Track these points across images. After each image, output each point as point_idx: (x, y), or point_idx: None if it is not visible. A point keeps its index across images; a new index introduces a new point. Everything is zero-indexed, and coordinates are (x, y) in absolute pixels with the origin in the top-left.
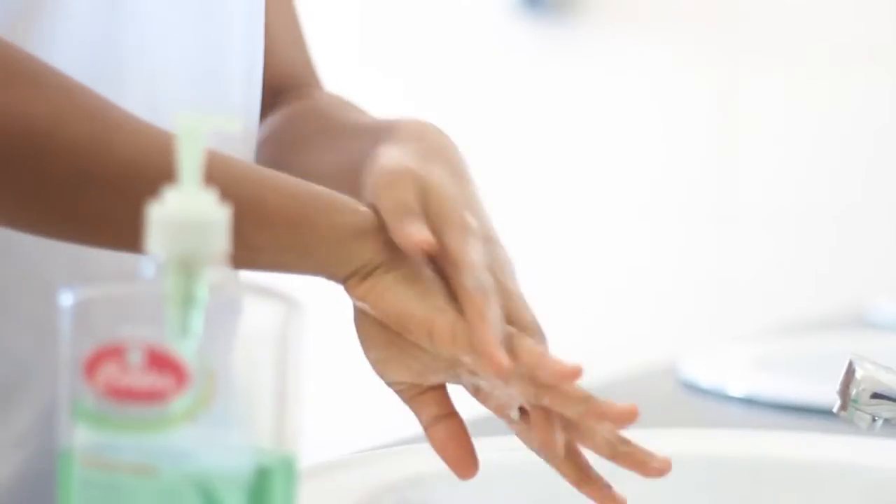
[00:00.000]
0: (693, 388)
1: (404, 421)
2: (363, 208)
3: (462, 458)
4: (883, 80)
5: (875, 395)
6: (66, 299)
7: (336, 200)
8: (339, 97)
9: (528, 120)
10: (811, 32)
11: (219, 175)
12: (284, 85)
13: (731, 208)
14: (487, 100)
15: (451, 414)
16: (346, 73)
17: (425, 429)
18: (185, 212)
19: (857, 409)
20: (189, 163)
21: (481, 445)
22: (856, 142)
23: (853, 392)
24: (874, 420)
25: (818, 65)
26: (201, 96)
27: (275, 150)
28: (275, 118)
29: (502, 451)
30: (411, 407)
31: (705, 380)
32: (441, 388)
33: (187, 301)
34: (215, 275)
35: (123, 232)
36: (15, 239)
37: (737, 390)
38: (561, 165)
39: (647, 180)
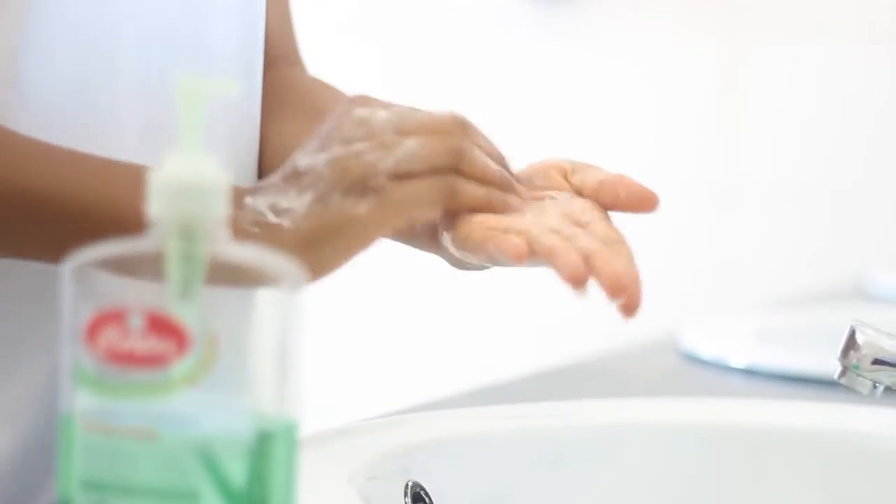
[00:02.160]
0: (694, 360)
1: (406, 389)
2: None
3: None
4: (882, 57)
5: (876, 361)
6: (66, 264)
7: None
8: (323, 81)
9: (528, 96)
10: (812, 10)
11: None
12: (271, 60)
13: (731, 181)
14: (486, 76)
15: None
16: (342, 62)
17: None
18: (186, 175)
19: (858, 375)
20: (189, 127)
21: (481, 414)
22: (856, 117)
23: (854, 358)
24: (875, 386)
25: (819, 41)
26: (194, 63)
27: (270, 126)
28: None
29: (502, 419)
30: None
31: (706, 351)
32: None
33: (188, 265)
34: (216, 238)
35: (47, 251)
36: None
37: (737, 361)
38: (562, 140)
39: (649, 154)
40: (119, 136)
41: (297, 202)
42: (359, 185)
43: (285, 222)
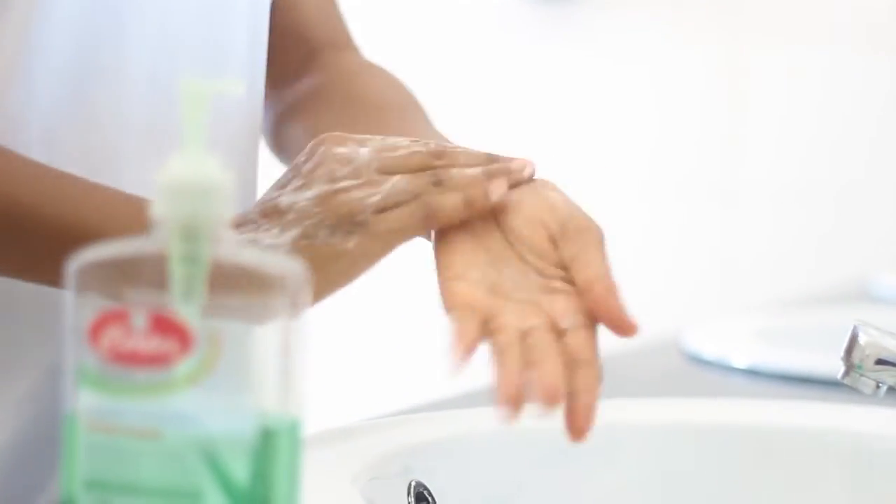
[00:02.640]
0: (697, 360)
1: (409, 389)
2: None
3: None
4: (882, 59)
5: (879, 362)
6: (70, 264)
7: None
8: (371, 67)
9: (529, 98)
10: (813, 12)
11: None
12: (318, 47)
13: (734, 183)
14: (487, 77)
15: None
16: None
17: None
18: (189, 176)
19: (862, 376)
20: (192, 128)
21: (484, 414)
22: (858, 118)
23: (857, 358)
24: (878, 386)
25: (820, 43)
26: (201, 61)
27: (308, 118)
28: (310, 83)
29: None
30: None
31: (709, 352)
32: None
33: (191, 264)
34: (219, 238)
35: (34, 271)
36: None
37: (740, 362)
38: (565, 142)
39: (651, 155)
40: (124, 136)
41: (280, 239)
42: (346, 220)
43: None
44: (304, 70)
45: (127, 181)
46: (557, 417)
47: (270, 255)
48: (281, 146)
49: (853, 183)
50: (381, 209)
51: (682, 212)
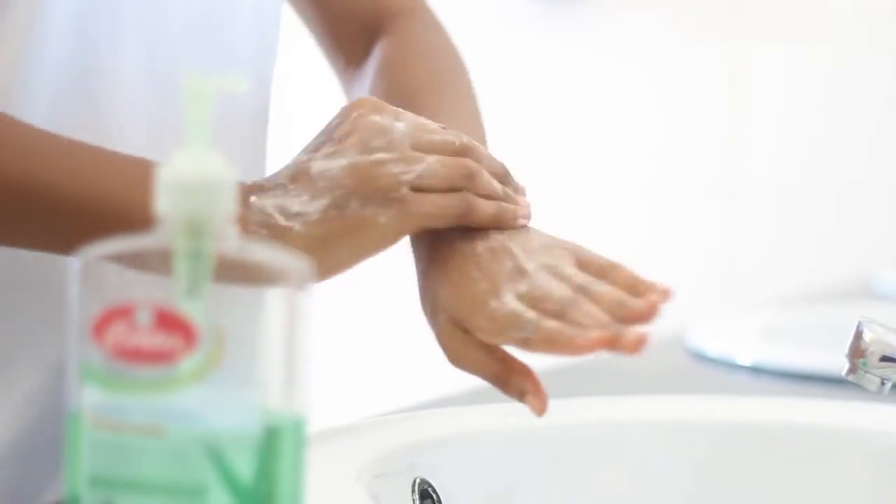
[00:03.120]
0: (701, 358)
1: (414, 386)
2: None
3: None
4: (883, 55)
5: (884, 358)
6: (75, 260)
7: None
8: (431, 40)
9: (531, 97)
10: (814, 10)
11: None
12: (379, 19)
13: (737, 181)
14: (491, 74)
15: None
16: None
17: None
18: (193, 172)
19: (866, 372)
20: (196, 123)
21: (488, 411)
22: (860, 116)
23: (862, 355)
24: (883, 383)
25: (820, 41)
26: (202, 57)
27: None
28: (369, 68)
29: (509, 416)
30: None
31: (713, 349)
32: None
33: (195, 261)
34: (223, 234)
35: (50, 242)
36: None
37: (744, 359)
38: (567, 141)
39: (653, 154)
40: (124, 131)
41: (310, 206)
42: (380, 194)
43: (297, 226)
44: (376, 37)
45: None
46: (558, 415)
47: (276, 251)
48: None
49: (855, 180)
50: (417, 188)
51: (685, 210)
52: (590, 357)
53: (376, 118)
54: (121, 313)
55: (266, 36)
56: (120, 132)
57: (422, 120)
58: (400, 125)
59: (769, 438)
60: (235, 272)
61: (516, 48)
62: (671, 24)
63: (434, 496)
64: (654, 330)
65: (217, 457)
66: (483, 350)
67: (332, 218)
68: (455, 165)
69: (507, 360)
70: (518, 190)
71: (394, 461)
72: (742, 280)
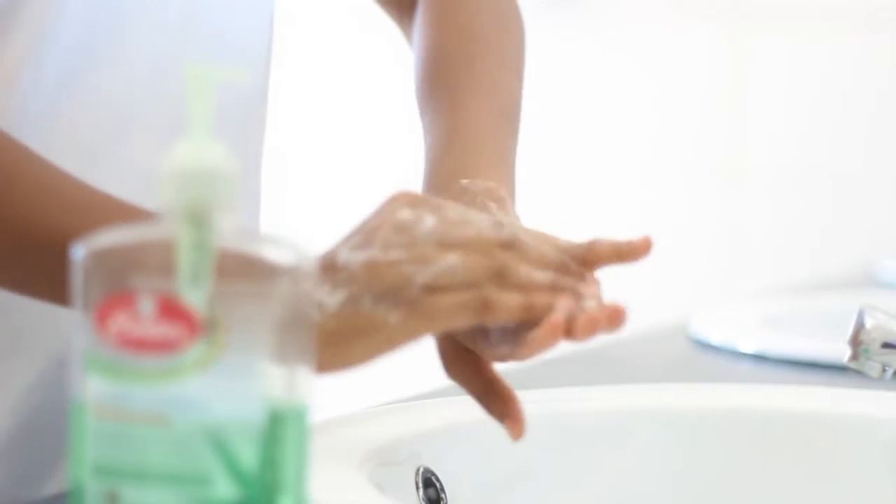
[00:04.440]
0: (704, 346)
1: (417, 375)
2: None
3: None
4: (885, 38)
5: (885, 345)
6: (77, 250)
7: None
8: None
9: (533, 81)
10: None
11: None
12: None
13: (739, 167)
14: None
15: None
16: (343, 40)
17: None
18: (195, 161)
19: (868, 359)
20: (198, 114)
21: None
22: (862, 104)
23: (863, 341)
24: (884, 370)
25: (823, 25)
26: (206, 50)
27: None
28: (415, 21)
29: None
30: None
31: (716, 337)
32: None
33: (198, 250)
34: (226, 224)
35: (26, 283)
36: None
37: (747, 347)
38: (567, 128)
39: (655, 141)
40: (128, 124)
41: (329, 298)
42: (391, 293)
43: (315, 316)
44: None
45: (131, 170)
46: (562, 404)
47: (277, 240)
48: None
49: (858, 168)
50: (431, 289)
51: (687, 199)
52: (593, 345)
53: (405, 214)
54: (124, 303)
55: (264, 26)
56: (126, 129)
57: (459, 211)
58: (429, 221)
59: (772, 426)
60: (238, 262)
61: None
62: (672, 9)
63: (437, 485)
64: (657, 318)
65: (221, 445)
66: (472, 367)
67: (347, 314)
68: (479, 263)
69: (494, 383)
70: (587, 279)
71: (397, 450)
72: (744, 268)
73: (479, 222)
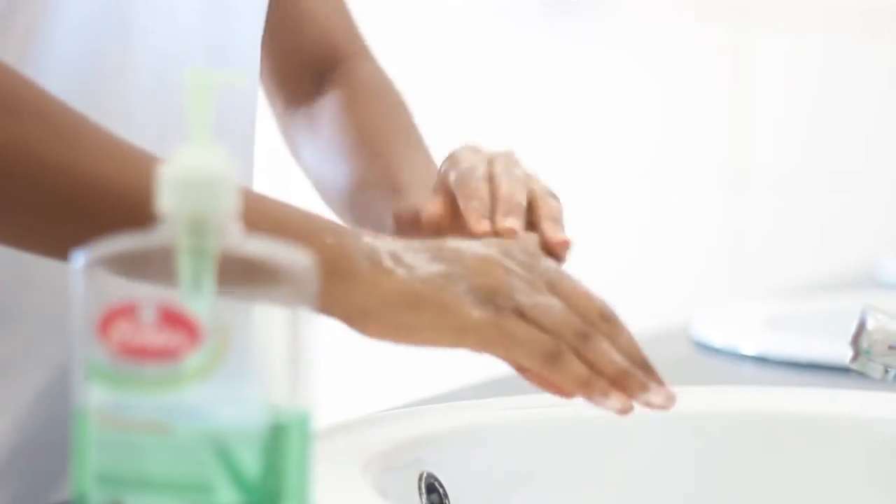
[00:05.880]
0: (706, 348)
1: (419, 380)
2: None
3: None
4: (887, 41)
5: (888, 346)
6: (78, 259)
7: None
8: (379, 88)
9: (535, 86)
10: None
11: None
12: (327, 60)
13: (741, 168)
14: (491, 61)
15: None
16: None
17: None
18: (196, 169)
19: (870, 360)
20: (199, 120)
21: (493, 405)
22: (864, 105)
23: (866, 343)
24: (887, 371)
25: (824, 26)
26: (207, 59)
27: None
28: (323, 109)
29: (514, 409)
30: None
31: (718, 339)
32: None
33: (199, 257)
34: (227, 231)
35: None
36: None
37: (749, 349)
38: (570, 129)
39: (657, 143)
40: (130, 132)
41: (424, 264)
42: (488, 292)
43: (400, 271)
44: (321, 82)
45: None
46: (565, 407)
47: (278, 246)
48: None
49: (859, 169)
50: (521, 313)
51: (689, 200)
52: None
53: (533, 242)
54: (125, 311)
55: (255, 37)
56: (126, 133)
57: (569, 276)
58: (551, 262)
59: (774, 428)
60: (239, 269)
61: (519, 35)
62: (674, 10)
63: (440, 490)
64: (658, 320)
65: (223, 453)
66: None
67: (435, 285)
68: (574, 319)
69: None
70: (655, 377)
71: (400, 456)
72: (746, 270)
73: (583, 290)
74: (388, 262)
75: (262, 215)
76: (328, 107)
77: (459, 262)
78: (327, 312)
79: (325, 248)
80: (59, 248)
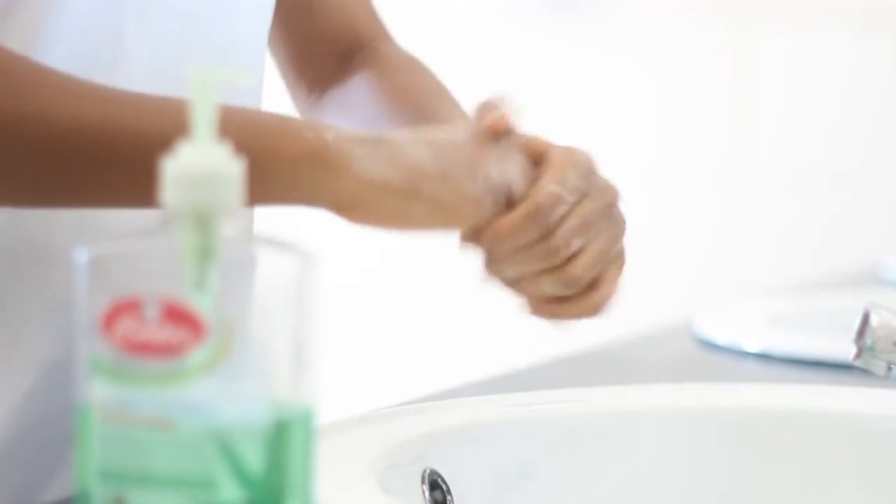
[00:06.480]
0: (709, 346)
1: (423, 377)
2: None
3: None
4: (886, 39)
5: (892, 343)
6: (81, 255)
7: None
8: (408, 61)
9: (535, 85)
10: None
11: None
12: (350, 43)
13: (744, 166)
14: (491, 59)
15: None
16: None
17: None
18: (199, 165)
19: (873, 357)
20: (202, 116)
21: (496, 402)
22: (866, 102)
23: (869, 339)
24: (890, 368)
25: (824, 25)
26: (205, 56)
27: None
28: (357, 86)
29: (517, 406)
30: None
31: (721, 337)
32: None
33: (203, 254)
34: (230, 227)
35: (138, 197)
36: None
37: (752, 346)
38: (570, 128)
39: (658, 141)
40: None
41: (410, 150)
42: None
43: (384, 157)
44: (347, 64)
45: None
46: (567, 404)
47: (281, 242)
48: None
49: (861, 166)
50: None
51: (691, 198)
52: (598, 346)
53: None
54: (129, 307)
55: (262, 29)
56: None
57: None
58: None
59: (777, 425)
60: (243, 265)
61: (519, 35)
62: (674, 10)
63: (443, 486)
64: (662, 318)
65: (227, 449)
66: None
67: (425, 169)
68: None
69: None
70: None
71: (403, 452)
72: (749, 268)
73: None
74: (374, 150)
75: (238, 116)
76: (361, 83)
77: (448, 149)
78: (315, 204)
79: (305, 141)
80: (54, 199)
